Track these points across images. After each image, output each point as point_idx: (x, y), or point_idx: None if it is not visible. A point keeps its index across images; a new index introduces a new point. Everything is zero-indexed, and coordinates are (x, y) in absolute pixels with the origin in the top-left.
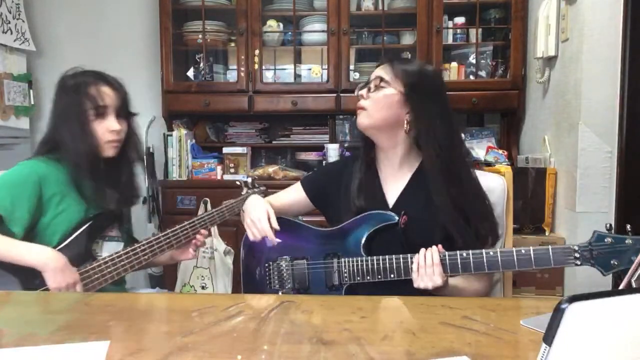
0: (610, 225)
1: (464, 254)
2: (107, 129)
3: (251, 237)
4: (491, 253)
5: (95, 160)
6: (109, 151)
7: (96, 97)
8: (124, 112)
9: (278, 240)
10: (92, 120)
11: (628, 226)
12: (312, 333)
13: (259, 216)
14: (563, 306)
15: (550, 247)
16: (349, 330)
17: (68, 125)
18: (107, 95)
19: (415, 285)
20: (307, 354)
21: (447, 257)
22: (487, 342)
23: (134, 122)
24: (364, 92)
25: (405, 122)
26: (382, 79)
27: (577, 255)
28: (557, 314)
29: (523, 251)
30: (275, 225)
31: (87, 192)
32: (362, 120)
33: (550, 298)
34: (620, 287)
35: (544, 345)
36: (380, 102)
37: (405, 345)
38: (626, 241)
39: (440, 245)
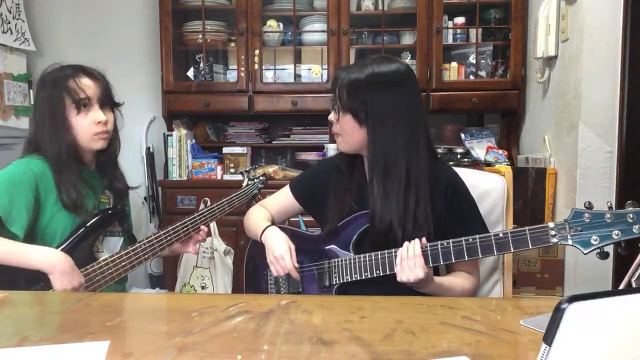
0: (589, 203)
1: (445, 243)
2: (93, 121)
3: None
4: (470, 240)
5: (77, 156)
6: (97, 144)
7: (76, 89)
8: (109, 103)
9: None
10: (74, 115)
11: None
12: (312, 333)
13: (281, 254)
14: (563, 306)
15: (527, 228)
16: (349, 330)
17: (47, 123)
18: (88, 86)
19: (398, 278)
20: (307, 354)
21: (428, 248)
22: (487, 342)
23: (118, 113)
24: (332, 117)
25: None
26: (338, 101)
27: (553, 233)
28: (557, 314)
29: (501, 235)
30: (295, 263)
31: (63, 197)
32: (340, 146)
33: (550, 298)
34: (620, 287)
35: (544, 345)
36: (346, 129)
37: (405, 345)
38: (606, 216)
39: (424, 239)
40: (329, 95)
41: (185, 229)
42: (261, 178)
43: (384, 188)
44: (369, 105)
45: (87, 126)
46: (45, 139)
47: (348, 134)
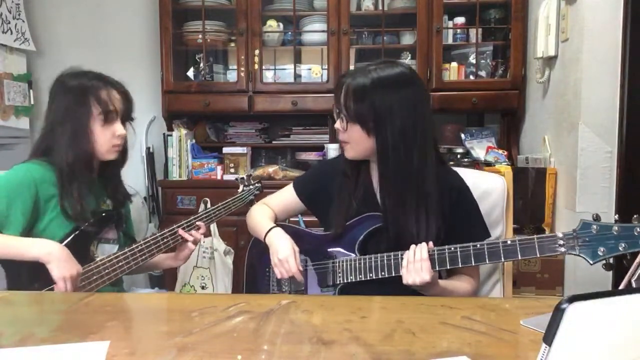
0: (597, 215)
1: (452, 248)
2: (114, 134)
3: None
4: (478, 245)
5: (90, 165)
6: (112, 155)
7: (107, 102)
8: (127, 117)
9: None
10: (99, 126)
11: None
12: (312, 333)
13: (286, 257)
14: (563, 306)
15: (535, 236)
16: (349, 330)
17: (70, 128)
18: (117, 100)
19: (404, 281)
20: (307, 354)
21: (435, 252)
22: (487, 342)
23: (130, 126)
24: (338, 125)
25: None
26: (344, 111)
27: (561, 242)
28: (557, 314)
29: (509, 242)
30: (299, 267)
31: (69, 208)
32: (349, 153)
33: (550, 298)
34: (620, 287)
35: (544, 345)
36: (355, 138)
37: (405, 345)
38: (613, 229)
39: (431, 242)
40: (329, 95)
41: (183, 229)
42: (257, 185)
43: (395, 194)
44: (377, 114)
45: (109, 138)
46: (62, 145)
47: (356, 143)
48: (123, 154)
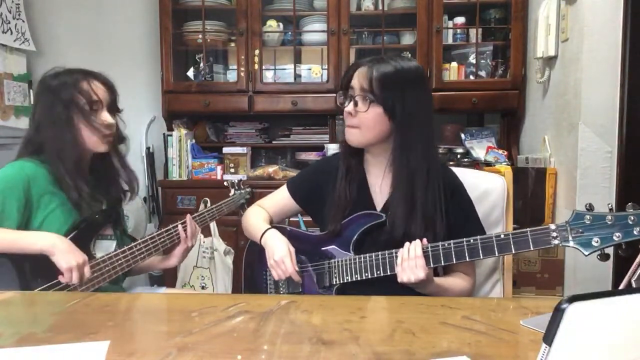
0: (590, 204)
1: (446, 244)
2: (102, 124)
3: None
4: (471, 241)
5: (83, 159)
6: (103, 146)
7: (90, 92)
8: (114, 107)
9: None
10: (85, 117)
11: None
12: (312, 333)
13: (282, 258)
14: (563, 306)
15: (528, 229)
16: (349, 330)
17: (57, 123)
18: (100, 89)
19: (399, 279)
20: (307, 354)
21: (429, 248)
22: (487, 342)
23: (119, 118)
24: (350, 108)
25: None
26: (365, 92)
27: (554, 234)
28: (557, 314)
29: (502, 236)
30: (296, 267)
31: (73, 196)
32: (355, 139)
33: (550, 298)
34: (620, 287)
35: (544, 345)
36: (370, 122)
37: (405, 345)
38: (607, 218)
39: (425, 239)
40: (329, 95)
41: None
42: (247, 189)
43: (406, 190)
44: (403, 100)
45: (97, 128)
46: (51, 140)
47: (369, 127)
48: (115, 146)
